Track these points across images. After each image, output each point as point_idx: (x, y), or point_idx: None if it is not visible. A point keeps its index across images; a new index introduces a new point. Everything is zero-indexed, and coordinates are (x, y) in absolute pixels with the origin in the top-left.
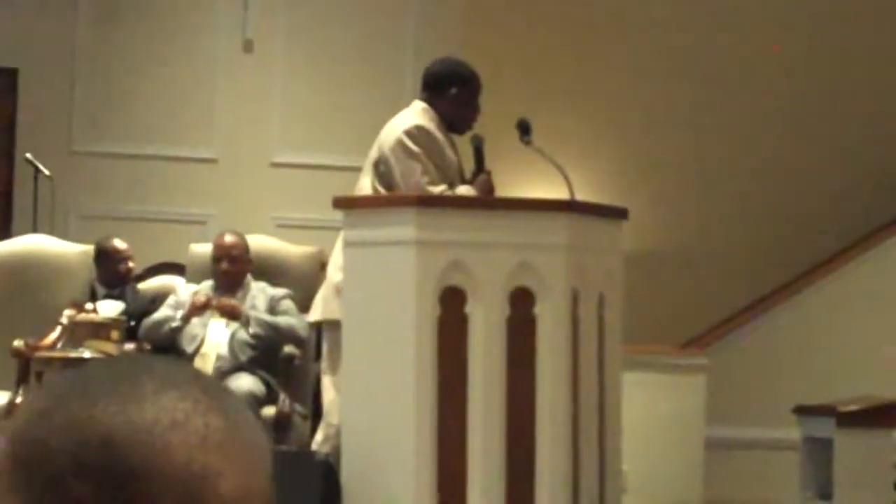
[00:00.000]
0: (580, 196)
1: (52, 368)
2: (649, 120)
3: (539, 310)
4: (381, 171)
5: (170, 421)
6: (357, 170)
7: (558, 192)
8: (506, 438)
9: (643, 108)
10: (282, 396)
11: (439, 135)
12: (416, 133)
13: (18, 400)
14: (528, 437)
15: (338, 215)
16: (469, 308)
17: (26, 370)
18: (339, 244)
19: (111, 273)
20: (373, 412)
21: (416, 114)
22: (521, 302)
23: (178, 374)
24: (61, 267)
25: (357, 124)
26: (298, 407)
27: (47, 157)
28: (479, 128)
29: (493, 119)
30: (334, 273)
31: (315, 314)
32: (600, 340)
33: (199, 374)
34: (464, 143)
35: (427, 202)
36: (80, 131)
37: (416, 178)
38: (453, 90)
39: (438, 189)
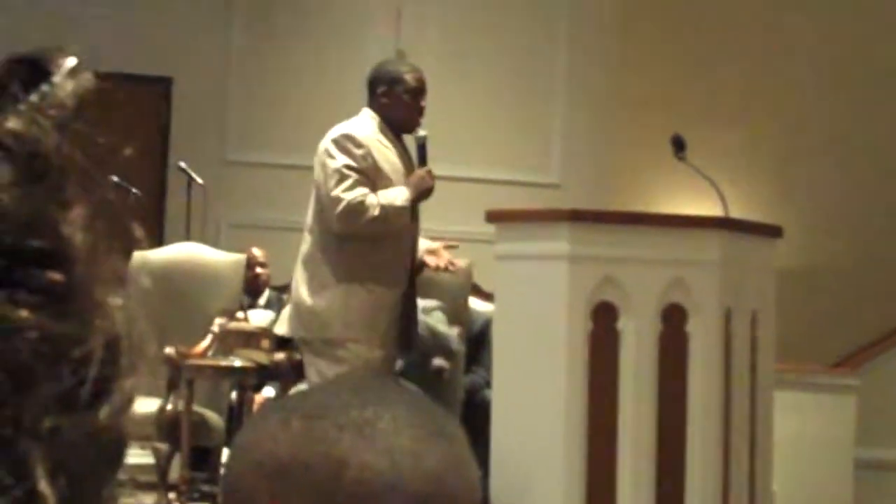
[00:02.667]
0: (732, 212)
1: (203, 376)
2: (802, 135)
3: (691, 327)
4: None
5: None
6: (507, 183)
7: (710, 209)
8: (656, 456)
9: (796, 123)
10: None
11: (376, 139)
12: (341, 140)
13: (169, 407)
14: (678, 455)
15: (488, 228)
16: (621, 324)
17: (177, 377)
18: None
19: (247, 280)
20: (523, 426)
21: (356, 120)
22: (674, 318)
23: (391, 406)
24: (213, 275)
25: (508, 137)
26: None
27: (200, 166)
28: (634, 143)
29: (647, 134)
30: (297, 288)
31: (281, 328)
32: (752, 359)
33: (414, 415)
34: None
35: (580, 216)
36: (234, 140)
37: (331, 188)
38: (380, 91)
39: (352, 195)
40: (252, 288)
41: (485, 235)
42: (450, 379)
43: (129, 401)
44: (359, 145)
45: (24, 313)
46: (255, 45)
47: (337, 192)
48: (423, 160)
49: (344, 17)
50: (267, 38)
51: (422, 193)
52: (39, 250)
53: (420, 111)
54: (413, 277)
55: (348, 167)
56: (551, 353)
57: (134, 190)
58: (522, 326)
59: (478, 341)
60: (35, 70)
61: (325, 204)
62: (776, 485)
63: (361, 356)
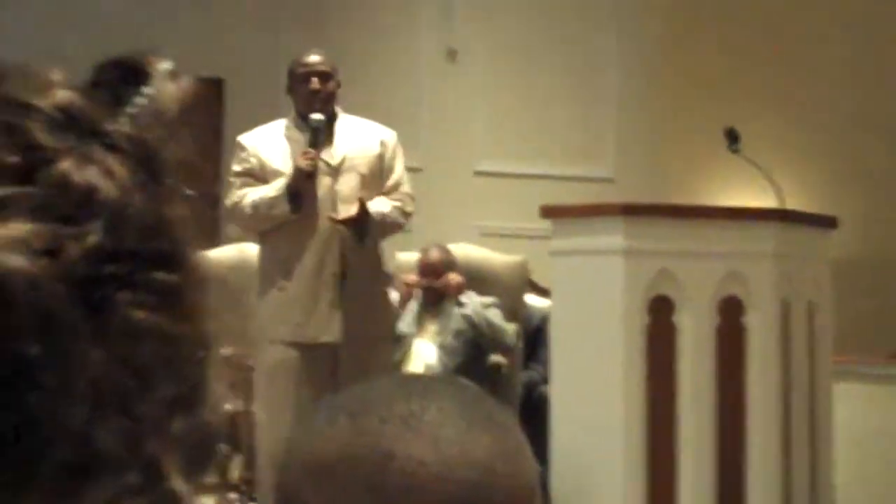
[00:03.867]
0: (787, 203)
1: None
2: (857, 125)
3: (748, 319)
4: None
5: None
6: (562, 178)
7: (765, 200)
8: (716, 450)
9: (851, 113)
10: None
11: (273, 137)
12: (235, 149)
13: (228, 407)
14: (738, 449)
15: (543, 224)
16: (677, 317)
17: (236, 378)
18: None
19: None
20: (581, 421)
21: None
22: (731, 311)
23: (442, 401)
24: None
25: (560, 132)
26: None
27: None
28: (688, 137)
29: (701, 127)
30: None
31: None
32: (810, 350)
33: (461, 406)
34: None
35: (635, 211)
36: None
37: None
38: (287, 87)
39: (229, 200)
40: None
41: (540, 231)
42: (507, 375)
43: (222, 398)
44: (242, 149)
45: (145, 315)
46: (305, 46)
47: (225, 200)
48: (313, 144)
49: (395, 16)
50: (317, 37)
51: (297, 175)
52: (159, 252)
53: (312, 94)
54: (344, 259)
55: (234, 174)
56: (608, 348)
57: (188, 192)
58: (579, 321)
59: (535, 337)
60: (133, 73)
61: None
62: (837, 477)
63: (266, 361)
